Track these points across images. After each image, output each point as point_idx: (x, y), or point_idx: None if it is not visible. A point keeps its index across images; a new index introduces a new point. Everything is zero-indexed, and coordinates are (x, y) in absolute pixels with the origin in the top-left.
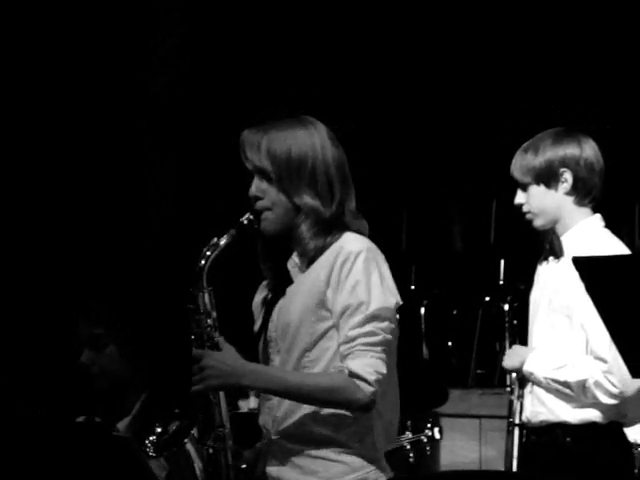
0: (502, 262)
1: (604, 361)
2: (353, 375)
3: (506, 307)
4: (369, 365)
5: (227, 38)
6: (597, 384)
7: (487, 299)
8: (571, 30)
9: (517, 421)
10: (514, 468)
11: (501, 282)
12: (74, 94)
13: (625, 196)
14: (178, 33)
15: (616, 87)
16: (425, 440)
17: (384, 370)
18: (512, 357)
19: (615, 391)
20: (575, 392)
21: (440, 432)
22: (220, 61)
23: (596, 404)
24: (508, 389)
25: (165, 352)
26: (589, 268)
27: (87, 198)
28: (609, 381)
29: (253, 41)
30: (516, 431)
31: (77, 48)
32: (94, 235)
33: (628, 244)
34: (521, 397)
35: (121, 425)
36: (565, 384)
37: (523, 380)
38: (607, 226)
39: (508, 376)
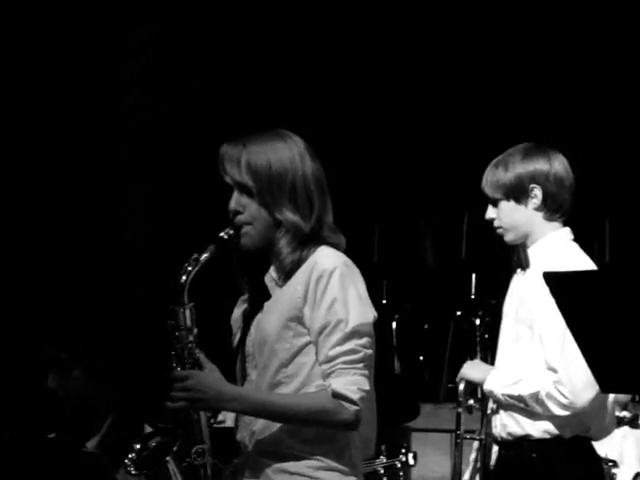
0: (473, 276)
1: (555, 371)
2: (337, 395)
3: (477, 321)
4: (352, 383)
5: (206, 54)
6: (549, 395)
7: (458, 313)
8: (539, 48)
9: (461, 432)
10: None
11: (472, 296)
12: (43, 114)
13: (596, 212)
14: (156, 47)
15: (586, 103)
16: (399, 465)
17: (367, 386)
18: (474, 368)
19: (565, 402)
20: (530, 405)
21: (414, 458)
22: (199, 76)
23: (554, 416)
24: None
25: (133, 369)
26: (560, 283)
27: (59, 215)
28: (559, 392)
29: (225, 57)
30: (463, 444)
31: (56, 58)
32: (64, 256)
33: (599, 260)
34: (466, 409)
35: (90, 444)
36: (519, 399)
37: (466, 391)
38: (578, 242)
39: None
